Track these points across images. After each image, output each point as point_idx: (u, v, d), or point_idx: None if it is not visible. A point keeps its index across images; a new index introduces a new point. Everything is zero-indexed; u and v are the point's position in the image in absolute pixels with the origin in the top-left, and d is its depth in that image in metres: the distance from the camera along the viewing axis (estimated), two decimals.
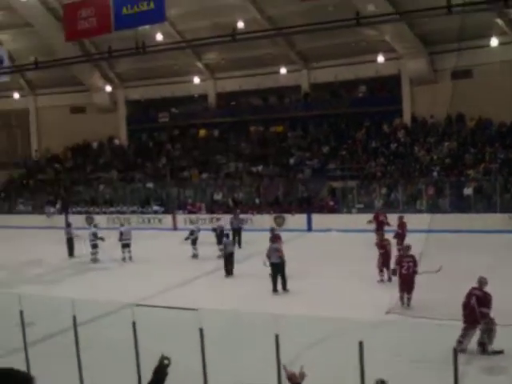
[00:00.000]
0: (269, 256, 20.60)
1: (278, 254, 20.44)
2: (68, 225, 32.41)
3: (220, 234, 27.31)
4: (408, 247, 18.37)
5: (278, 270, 20.23)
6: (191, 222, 36.31)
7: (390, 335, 13.81)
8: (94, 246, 28.38)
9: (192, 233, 28.07)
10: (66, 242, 30.07)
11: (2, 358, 13.64)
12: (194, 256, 27.51)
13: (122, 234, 28.04)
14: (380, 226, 27.10)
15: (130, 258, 27.76)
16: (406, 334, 13.84)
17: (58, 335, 14.72)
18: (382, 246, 21.22)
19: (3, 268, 27.12)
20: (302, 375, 6.39)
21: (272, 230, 24.64)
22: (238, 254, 27.74)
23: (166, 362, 5.70)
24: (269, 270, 20.38)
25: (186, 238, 28.01)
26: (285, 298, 18.62)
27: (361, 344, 9.22)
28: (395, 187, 35.66)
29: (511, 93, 35.30)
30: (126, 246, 27.83)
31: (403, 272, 17.51)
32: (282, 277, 20.27)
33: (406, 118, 40.77)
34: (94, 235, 28.50)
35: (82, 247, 29.35)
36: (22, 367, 11.77)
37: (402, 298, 17.38)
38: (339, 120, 42.80)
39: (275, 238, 22.15)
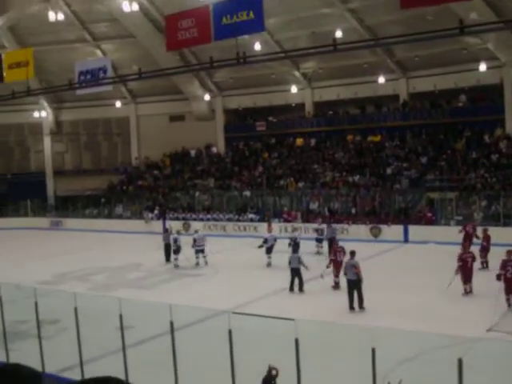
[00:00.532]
0: (346, 272, 20.10)
1: (355, 270, 19.57)
2: (165, 230, 33.06)
3: (295, 244, 27.22)
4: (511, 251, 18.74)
5: (354, 286, 19.50)
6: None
7: (491, 354, 13.38)
8: (176, 252, 29.02)
9: (266, 241, 28.20)
10: (164, 248, 30.61)
11: (102, 359, 14.04)
12: (268, 265, 27.74)
13: (195, 240, 28.62)
14: (467, 238, 26.74)
15: (206, 262, 28.51)
16: (508, 354, 13.38)
17: (156, 339, 14.99)
18: (461, 259, 20.73)
19: (103, 271, 27.95)
20: None
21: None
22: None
23: (274, 372, 5.72)
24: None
25: (260, 246, 28.36)
26: (380, 311, 18.35)
27: (460, 361, 8.98)
28: (496, 199, 34.63)
29: None
30: (200, 251, 28.50)
31: (508, 276, 17.96)
32: (359, 295, 19.45)
33: (509, 128, 39.56)
34: (175, 241, 29.05)
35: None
36: (121, 369, 12.12)
37: (508, 300, 17.76)
38: (438, 130, 41.97)
39: (352, 254, 21.17)
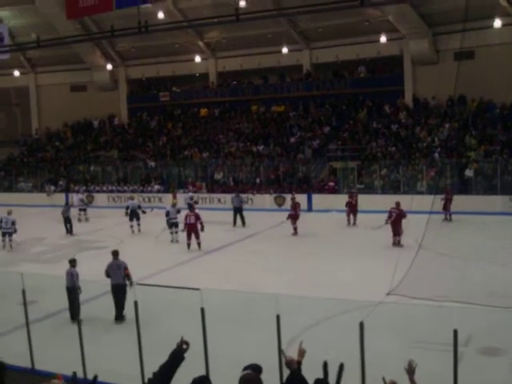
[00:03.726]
0: (233, 201, 30.41)
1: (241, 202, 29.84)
2: (66, 203, 32.50)
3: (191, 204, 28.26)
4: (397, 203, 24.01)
5: (237, 211, 29.21)
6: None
7: (390, 316, 13.85)
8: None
9: (168, 214, 26.70)
10: (64, 221, 30.15)
11: (5, 336, 13.72)
12: (173, 241, 26.39)
13: (168, 213, 26.91)
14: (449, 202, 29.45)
15: (177, 240, 26.42)
16: (407, 316, 13.88)
17: (60, 314, 14.78)
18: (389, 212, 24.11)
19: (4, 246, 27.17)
20: (302, 352, 6.38)
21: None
22: (242, 232, 28.02)
23: (184, 346, 5.69)
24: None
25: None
26: (286, 278, 18.65)
27: (361, 325, 9.26)
28: (396, 168, 35.64)
29: None
30: (173, 225, 26.55)
31: (392, 221, 23.36)
32: (242, 217, 29.46)
33: (408, 98, 40.67)
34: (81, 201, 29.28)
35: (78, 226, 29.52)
36: (25, 344, 11.90)
37: (394, 240, 23.13)
38: (340, 100, 42.69)
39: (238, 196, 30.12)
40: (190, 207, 26.57)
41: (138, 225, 29.42)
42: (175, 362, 6.02)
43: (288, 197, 34.79)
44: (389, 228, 23.58)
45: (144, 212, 29.81)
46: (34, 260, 24.12)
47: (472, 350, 11.96)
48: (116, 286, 15.07)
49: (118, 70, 49.57)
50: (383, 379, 6.01)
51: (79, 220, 33.47)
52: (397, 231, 23.40)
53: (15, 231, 26.57)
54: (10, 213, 27.02)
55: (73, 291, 14.65)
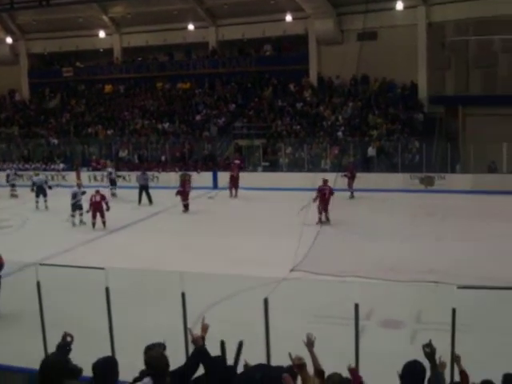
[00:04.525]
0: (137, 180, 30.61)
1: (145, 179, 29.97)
2: None
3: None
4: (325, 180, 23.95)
5: (143, 189, 29.39)
6: (95, 179, 35.95)
7: (294, 292, 14.09)
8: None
9: (75, 196, 25.14)
10: None
11: None
12: (74, 224, 25.09)
13: (75, 195, 25.39)
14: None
15: (83, 222, 25.10)
16: (310, 291, 14.15)
17: None
18: (319, 190, 23.92)
19: None
20: (205, 327, 6.42)
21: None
22: (147, 210, 27.83)
23: (69, 339, 5.62)
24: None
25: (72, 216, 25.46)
26: (191, 256, 18.66)
27: (265, 301, 9.38)
28: (300, 146, 36.08)
29: (413, 56, 36.29)
30: (77, 207, 25.24)
31: (325, 197, 23.43)
32: (147, 193, 29.51)
33: (313, 77, 41.12)
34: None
35: None
36: None
37: (320, 218, 23.23)
38: (246, 78, 42.77)
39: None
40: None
41: (45, 201, 29.11)
42: (63, 353, 6.00)
43: (194, 174, 34.84)
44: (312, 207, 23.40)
45: (50, 188, 29.71)
46: None
47: (373, 323, 12.33)
48: None
49: (18, 43, 47.90)
50: (289, 355, 6.11)
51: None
52: (326, 208, 23.55)
53: None
54: None
55: None
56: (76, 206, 25.17)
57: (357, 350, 8.69)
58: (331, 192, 23.70)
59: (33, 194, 29.67)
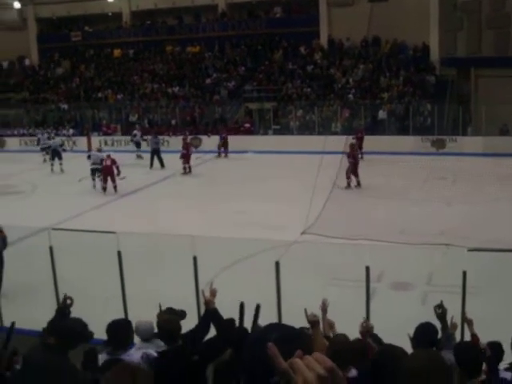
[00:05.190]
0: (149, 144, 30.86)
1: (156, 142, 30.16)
2: None
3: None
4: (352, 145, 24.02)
5: (155, 153, 29.63)
6: (106, 144, 35.95)
7: (305, 255, 14.15)
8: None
9: (89, 157, 25.70)
10: None
11: None
12: (94, 187, 25.37)
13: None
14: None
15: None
16: (321, 254, 14.20)
17: None
18: (353, 156, 23.54)
19: None
20: (213, 292, 6.49)
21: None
22: (159, 174, 27.90)
23: (68, 301, 5.67)
24: None
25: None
26: (203, 220, 18.73)
27: (277, 264, 9.46)
28: (311, 109, 35.95)
29: (425, 17, 35.83)
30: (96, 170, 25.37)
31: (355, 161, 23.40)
32: (159, 158, 29.62)
33: (323, 40, 40.77)
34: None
35: None
36: None
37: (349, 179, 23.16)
38: (256, 41, 42.46)
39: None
40: (138, 145, 31.23)
41: (60, 164, 29.56)
42: (61, 317, 6.08)
43: (204, 138, 34.86)
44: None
45: (65, 150, 30.62)
46: None
47: (384, 286, 12.41)
48: None
49: (26, 8, 47.58)
50: (305, 311, 6.18)
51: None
52: (356, 172, 23.49)
53: None
54: None
55: None
56: (95, 170, 25.31)
57: (367, 312, 8.78)
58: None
59: (42, 159, 29.95)
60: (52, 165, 29.74)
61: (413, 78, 35.79)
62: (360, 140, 29.76)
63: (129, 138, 35.18)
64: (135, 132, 34.12)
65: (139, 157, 32.01)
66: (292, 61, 40.28)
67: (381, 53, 38.34)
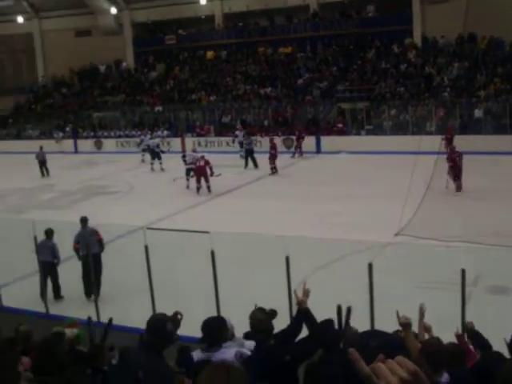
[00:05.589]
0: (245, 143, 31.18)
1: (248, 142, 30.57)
2: (41, 148, 32.70)
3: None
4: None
5: (249, 154, 29.87)
6: (199, 145, 36.42)
7: (398, 257, 13.96)
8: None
9: (184, 156, 26.88)
10: (39, 165, 31.32)
11: (18, 282, 13.92)
12: (188, 187, 25.89)
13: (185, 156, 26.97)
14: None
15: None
16: (415, 256, 13.98)
17: (73, 259, 14.91)
18: (451, 159, 22.10)
19: (14, 193, 27.33)
20: (306, 292, 6.45)
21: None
22: (252, 175, 28.08)
23: (179, 316, 5.75)
24: None
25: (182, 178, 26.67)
26: (296, 220, 18.73)
27: (370, 265, 9.36)
28: (405, 109, 35.41)
29: None
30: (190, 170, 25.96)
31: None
32: (253, 159, 29.79)
33: (417, 38, 40.08)
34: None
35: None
36: (36, 292, 12.08)
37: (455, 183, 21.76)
38: (348, 40, 42.14)
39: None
40: (242, 145, 31.82)
41: (160, 163, 31.06)
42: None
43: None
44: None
45: (163, 152, 31.89)
46: (45, 206, 24.29)
47: (480, 289, 12.08)
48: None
49: (122, 13, 48.92)
50: (397, 313, 6.11)
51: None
52: (459, 175, 21.99)
53: None
54: None
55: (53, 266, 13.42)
56: (190, 170, 25.82)
57: (463, 316, 8.55)
58: (460, 156, 22.10)
59: (137, 160, 30.89)
60: (152, 164, 31.11)
61: (511, 74, 34.70)
62: (450, 140, 29.07)
63: (222, 139, 35.61)
64: (237, 132, 34.62)
65: (242, 157, 32.07)
66: (385, 60, 39.77)
67: (477, 50, 37.35)
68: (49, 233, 13.29)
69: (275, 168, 28.39)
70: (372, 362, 1.79)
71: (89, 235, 13.41)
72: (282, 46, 44.04)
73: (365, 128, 35.71)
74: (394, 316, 6.16)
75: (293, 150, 33.86)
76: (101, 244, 13.54)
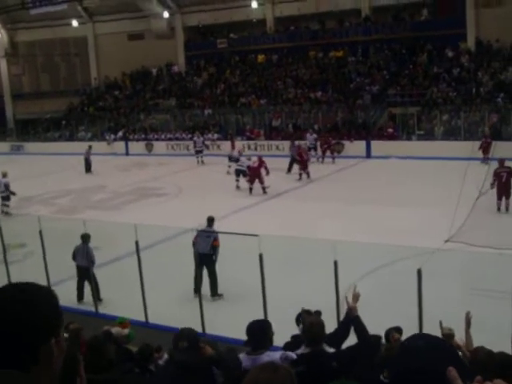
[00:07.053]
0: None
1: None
2: (90, 147, 35.16)
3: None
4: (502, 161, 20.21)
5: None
6: (249, 148, 36.52)
7: (448, 263, 13.77)
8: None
9: (230, 158, 28.81)
10: (84, 162, 33.46)
11: (71, 280, 14.14)
12: (238, 187, 26.57)
13: (237, 159, 27.79)
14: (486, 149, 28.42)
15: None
16: (466, 263, 13.79)
17: (123, 259, 15.11)
18: (496, 173, 20.15)
19: (67, 194, 27.81)
20: (356, 296, 6.38)
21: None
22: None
23: (202, 344, 5.70)
24: None
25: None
26: (344, 224, 18.65)
27: (419, 271, 9.26)
28: (457, 114, 34.93)
29: None
30: (241, 172, 26.52)
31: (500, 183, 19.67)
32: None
33: (470, 42, 39.50)
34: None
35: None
36: (88, 289, 12.24)
37: (498, 204, 19.89)
38: (400, 44, 41.76)
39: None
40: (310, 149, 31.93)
41: (202, 157, 34.00)
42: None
43: (347, 143, 34.72)
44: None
45: (207, 147, 34.85)
46: (97, 207, 24.66)
47: None
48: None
49: (174, 17, 49.37)
50: (440, 323, 6.04)
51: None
52: (507, 194, 20.07)
53: (8, 197, 23.95)
54: (4, 175, 24.25)
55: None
56: (239, 171, 26.03)
57: None
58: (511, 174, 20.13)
59: (187, 162, 31.95)
60: (197, 157, 34.54)
61: None
62: (487, 146, 28.62)
63: (272, 142, 35.73)
64: (308, 135, 34.68)
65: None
66: (437, 64, 39.29)
67: None
68: (85, 237, 13.51)
69: (307, 173, 28.24)
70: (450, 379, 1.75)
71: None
72: (333, 49, 43.85)
73: (416, 133, 35.33)
74: (444, 322, 6.09)
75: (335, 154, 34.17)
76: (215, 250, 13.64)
